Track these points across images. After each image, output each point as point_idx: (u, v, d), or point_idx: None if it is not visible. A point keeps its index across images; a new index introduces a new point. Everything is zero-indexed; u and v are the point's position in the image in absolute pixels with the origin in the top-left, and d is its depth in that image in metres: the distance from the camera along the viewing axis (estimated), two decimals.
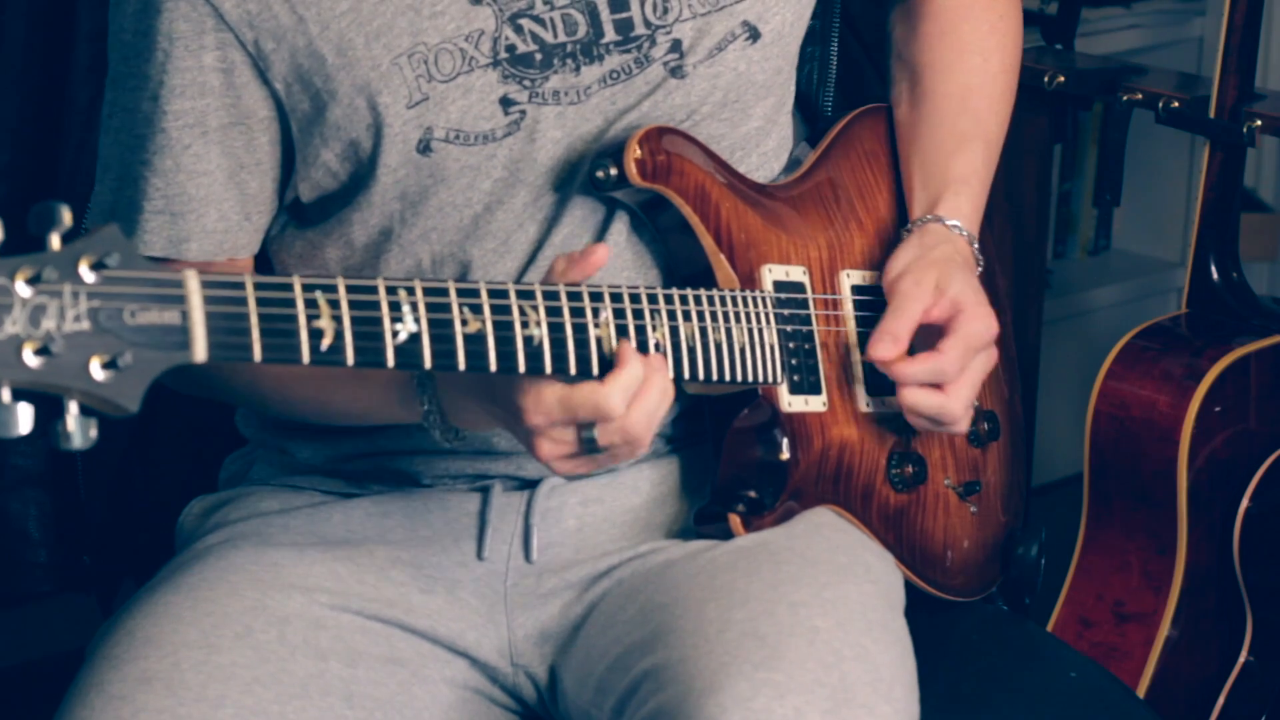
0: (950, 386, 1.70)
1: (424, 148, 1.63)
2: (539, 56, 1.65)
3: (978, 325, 1.71)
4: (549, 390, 1.47)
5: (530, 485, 1.72)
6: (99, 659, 1.60)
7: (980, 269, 1.79)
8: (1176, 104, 2.44)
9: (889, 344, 1.69)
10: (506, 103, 1.64)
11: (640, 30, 1.67)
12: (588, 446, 1.49)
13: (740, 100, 1.71)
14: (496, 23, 1.64)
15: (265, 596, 1.64)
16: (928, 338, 1.71)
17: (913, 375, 1.69)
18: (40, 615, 2.57)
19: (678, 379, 1.60)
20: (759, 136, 1.75)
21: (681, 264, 1.69)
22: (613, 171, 1.64)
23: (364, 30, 1.61)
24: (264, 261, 1.75)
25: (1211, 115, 2.36)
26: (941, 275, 1.72)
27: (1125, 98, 2.48)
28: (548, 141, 1.65)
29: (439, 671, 1.69)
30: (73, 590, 2.00)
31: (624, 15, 1.67)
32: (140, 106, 1.64)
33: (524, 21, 1.64)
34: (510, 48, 1.64)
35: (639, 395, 1.48)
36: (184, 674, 1.57)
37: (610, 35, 1.66)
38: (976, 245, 1.79)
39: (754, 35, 1.70)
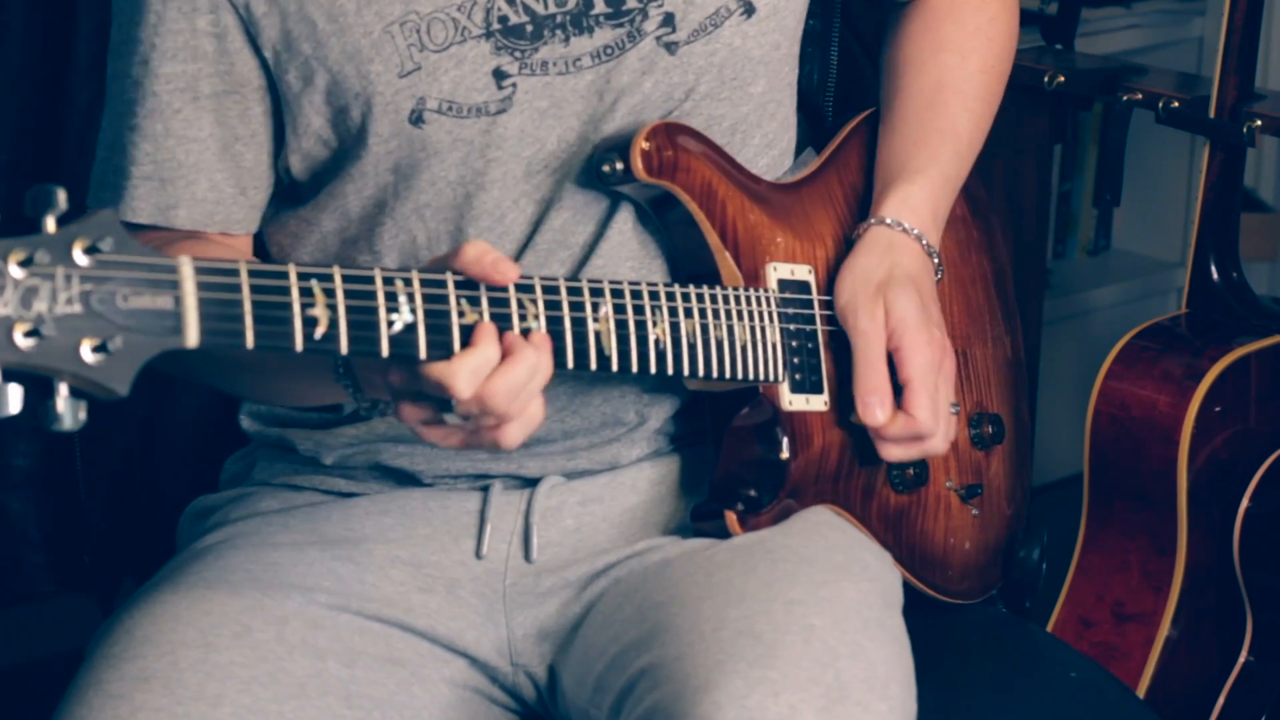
0: (930, 437, 1.71)
1: (416, 118, 1.63)
2: (530, 28, 1.64)
3: (922, 361, 1.69)
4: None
5: (530, 484, 1.72)
6: (97, 658, 1.60)
7: (936, 260, 1.77)
8: (1176, 104, 2.44)
9: (877, 407, 1.68)
10: (499, 75, 1.64)
11: (632, 3, 1.67)
12: (446, 416, 1.47)
13: (738, 77, 1.71)
14: None
15: (264, 596, 1.64)
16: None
17: (894, 435, 1.70)
18: (40, 615, 2.57)
19: (677, 374, 1.60)
20: (759, 116, 1.74)
21: (686, 260, 1.69)
22: (619, 166, 1.64)
23: None
24: (259, 249, 1.75)
25: (1211, 115, 2.36)
26: (887, 298, 1.71)
27: (1125, 98, 2.49)
28: (534, 112, 1.65)
29: (438, 671, 1.69)
30: (73, 590, 2.00)
31: None
32: (131, 72, 1.64)
33: None
34: (503, 19, 1.64)
35: (502, 369, 1.44)
36: (182, 673, 1.57)
37: (600, 7, 1.66)
38: (926, 240, 1.76)
39: (749, 10, 1.70)
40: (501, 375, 1.44)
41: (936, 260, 1.77)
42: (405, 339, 1.41)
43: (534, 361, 1.46)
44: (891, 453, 1.71)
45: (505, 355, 1.45)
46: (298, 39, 1.62)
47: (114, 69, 1.67)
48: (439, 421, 1.48)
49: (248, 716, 1.56)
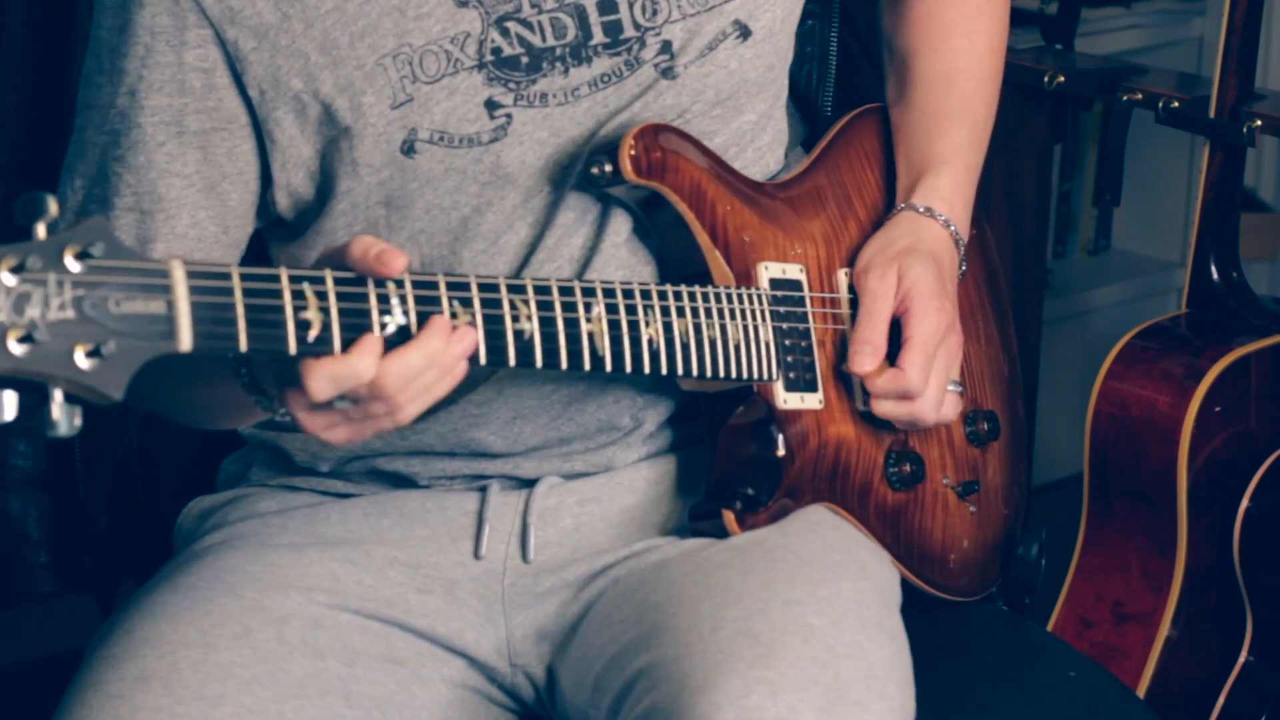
0: (918, 397, 1.71)
1: (408, 149, 1.63)
2: (526, 60, 1.65)
3: (927, 325, 1.70)
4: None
5: (527, 485, 1.72)
6: (97, 658, 1.60)
7: (961, 252, 1.78)
8: (1176, 104, 2.44)
9: (868, 355, 1.69)
10: (492, 105, 1.64)
11: (629, 33, 1.67)
12: (337, 403, 1.42)
13: (733, 98, 1.71)
14: (483, 25, 1.64)
15: (263, 596, 1.64)
16: (892, 331, 1.72)
17: (881, 389, 1.70)
18: (40, 615, 2.57)
19: (671, 374, 1.60)
20: (753, 132, 1.75)
21: (678, 262, 1.69)
22: (607, 168, 1.64)
23: (349, 29, 1.61)
24: None
25: (1211, 115, 2.36)
26: (902, 265, 1.72)
27: (1125, 98, 2.49)
28: (534, 143, 1.65)
29: (437, 671, 1.69)
30: (73, 590, 2.00)
31: (613, 18, 1.67)
32: (116, 102, 1.63)
33: (511, 25, 1.64)
34: (496, 50, 1.64)
35: (399, 351, 1.40)
36: (182, 673, 1.57)
37: (599, 37, 1.66)
38: (952, 228, 1.78)
39: (745, 33, 1.70)
40: (400, 355, 1.41)
41: (962, 252, 1.78)
42: (399, 341, 1.41)
43: (432, 346, 1.42)
44: (880, 407, 1.71)
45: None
46: (287, 74, 1.62)
47: (93, 99, 1.65)
48: (323, 410, 1.43)
49: (248, 716, 1.56)
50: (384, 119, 1.62)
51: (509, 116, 1.64)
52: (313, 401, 1.41)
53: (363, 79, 1.61)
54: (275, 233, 1.72)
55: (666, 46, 1.68)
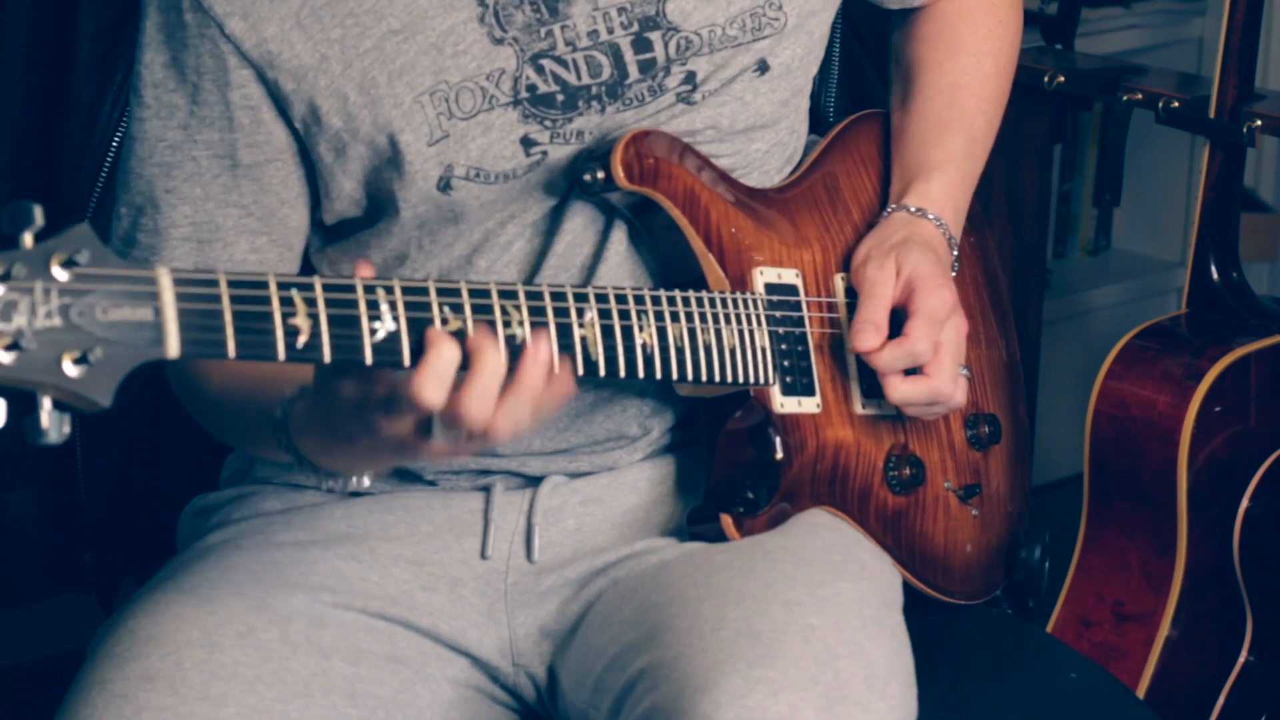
0: (930, 367, 1.70)
1: (444, 185, 1.64)
2: (561, 98, 1.65)
3: (934, 299, 1.70)
4: (384, 379, 1.43)
5: (532, 482, 1.73)
6: (101, 657, 1.60)
7: (954, 253, 1.79)
8: (1176, 104, 2.44)
9: (871, 333, 1.69)
10: (527, 143, 1.65)
11: (660, 61, 1.68)
12: (427, 434, 1.43)
13: (747, 131, 1.72)
14: (518, 62, 1.64)
15: (267, 595, 1.64)
16: (895, 322, 1.71)
17: (889, 363, 1.68)
18: (40, 615, 2.57)
19: (666, 378, 1.60)
20: (762, 160, 1.76)
21: (673, 267, 1.69)
22: (600, 175, 1.64)
23: (387, 69, 1.62)
24: None
25: (1211, 115, 2.36)
26: (899, 256, 1.72)
27: (1125, 98, 2.49)
28: (564, 170, 1.66)
29: (441, 670, 1.69)
30: (73, 590, 2.00)
31: (648, 56, 1.67)
32: (167, 135, 1.65)
33: (545, 62, 1.65)
34: (531, 87, 1.64)
35: (471, 379, 1.40)
36: (186, 673, 1.57)
37: (634, 75, 1.67)
38: (944, 227, 1.78)
39: (763, 68, 1.71)
40: (472, 383, 1.41)
41: (955, 253, 1.78)
42: (388, 347, 1.40)
43: (496, 366, 1.41)
44: (896, 390, 1.69)
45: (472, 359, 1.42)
46: (327, 114, 1.63)
47: (145, 132, 1.66)
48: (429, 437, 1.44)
49: (252, 716, 1.57)
50: (421, 156, 1.63)
51: (544, 154, 1.65)
52: (429, 408, 1.39)
53: (400, 117, 1.62)
54: (316, 233, 1.73)
55: (690, 77, 1.68)
